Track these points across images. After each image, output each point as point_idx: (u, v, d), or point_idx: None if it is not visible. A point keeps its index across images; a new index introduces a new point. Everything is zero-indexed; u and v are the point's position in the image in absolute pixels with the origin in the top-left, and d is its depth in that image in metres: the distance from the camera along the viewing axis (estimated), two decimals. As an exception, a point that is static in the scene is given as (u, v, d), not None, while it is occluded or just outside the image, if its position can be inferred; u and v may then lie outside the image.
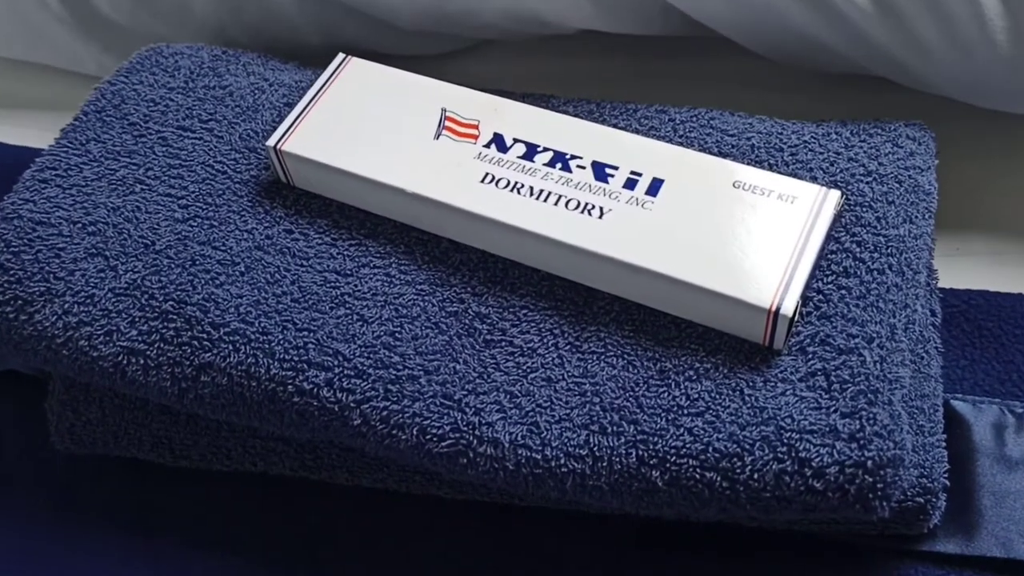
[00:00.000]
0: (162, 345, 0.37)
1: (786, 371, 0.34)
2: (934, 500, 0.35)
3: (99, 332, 0.38)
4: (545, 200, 0.37)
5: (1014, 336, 0.41)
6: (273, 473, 0.41)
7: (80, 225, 0.40)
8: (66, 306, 0.38)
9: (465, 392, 0.35)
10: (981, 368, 0.41)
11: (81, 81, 0.56)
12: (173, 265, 0.39)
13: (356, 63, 0.43)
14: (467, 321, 0.37)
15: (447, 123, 0.40)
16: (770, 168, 0.40)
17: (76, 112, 0.45)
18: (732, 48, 0.48)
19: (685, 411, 0.33)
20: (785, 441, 0.32)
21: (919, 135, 0.41)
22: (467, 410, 0.35)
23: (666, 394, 0.34)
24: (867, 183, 0.38)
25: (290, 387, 0.36)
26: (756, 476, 0.32)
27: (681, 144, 0.41)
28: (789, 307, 0.33)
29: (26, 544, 0.41)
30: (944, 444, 0.36)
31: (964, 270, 0.44)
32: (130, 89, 0.45)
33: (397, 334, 0.37)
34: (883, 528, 0.36)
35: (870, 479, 0.31)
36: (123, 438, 0.41)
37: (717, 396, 0.34)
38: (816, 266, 0.35)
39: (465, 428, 0.35)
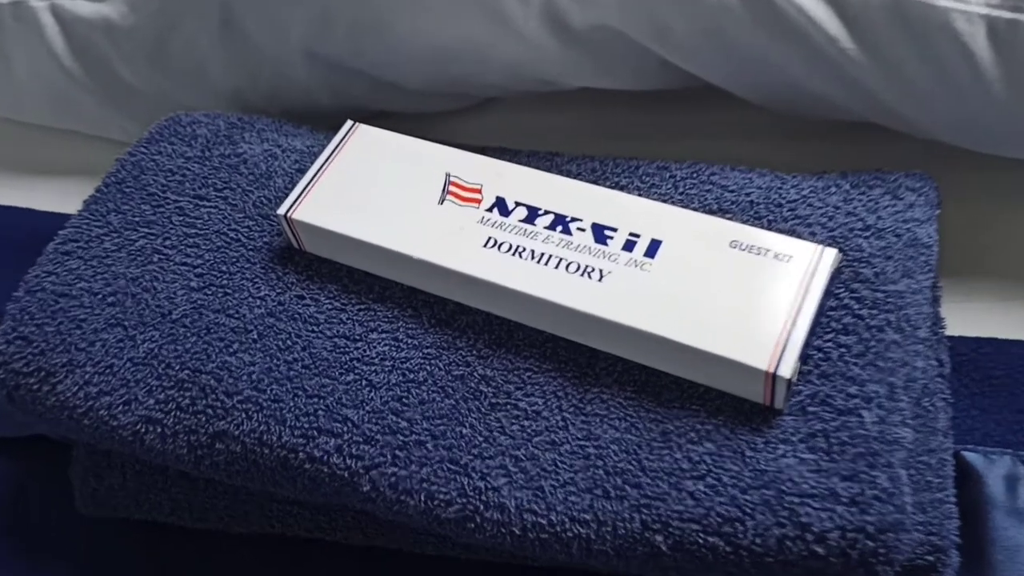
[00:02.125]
0: (178, 413, 0.38)
1: (787, 432, 0.34)
2: (944, 558, 0.35)
3: (118, 402, 0.39)
4: (546, 264, 0.38)
5: (1024, 384, 0.41)
6: (291, 535, 0.42)
7: (100, 296, 0.42)
8: (87, 376, 0.40)
9: (471, 457, 0.36)
10: (992, 418, 0.41)
11: (107, 146, 0.59)
12: (188, 334, 0.40)
13: (363, 130, 0.45)
14: (473, 384, 0.38)
15: (451, 188, 0.41)
16: (769, 224, 0.40)
17: (99, 182, 0.47)
18: (731, 99, 0.48)
19: (687, 474, 0.34)
20: (786, 505, 0.32)
21: (919, 185, 0.41)
22: (473, 475, 0.35)
23: (668, 457, 0.34)
24: (865, 238, 0.39)
25: (301, 454, 0.37)
26: (758, 541, 0.32)
27: (681, 201, 0.42)
28: (787, 369, 0.34)
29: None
30: (954, 499, 0.36)
31: (973, 318, 0.44)
32: (149, 160, 0.47)
33: (404, 399, 0.37)
34: (893, 586, 0.36)
35: (872, 544, 0.31)
36: (144, 503, 0.42)
37: (719, 458, 0.34)
38: (815, 324, 0.36)
39: (472, 493, 0.35)
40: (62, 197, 0.57)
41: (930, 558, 0.34)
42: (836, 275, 0.37)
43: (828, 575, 0.31)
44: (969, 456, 0.39)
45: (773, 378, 0.34)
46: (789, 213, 0.40)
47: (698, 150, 0.47)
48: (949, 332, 0.42)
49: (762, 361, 0.34)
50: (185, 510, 0.42)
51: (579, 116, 0.53)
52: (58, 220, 0.53)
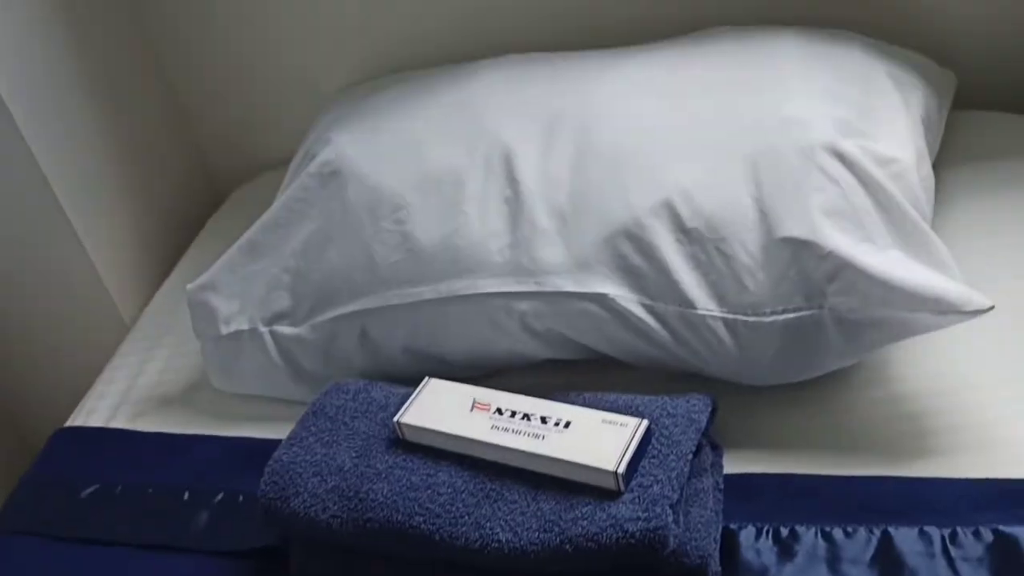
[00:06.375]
0: (348, 512, 0.81)
1: (624, 498, 0.76)
2: (706, 564, 0.75)
3: (320, 510, 0.82)
4: (518, 434, 0.82)
5: (771, 495, 0.83)
6: (396, 582, 0.82)
7: (307, 463, 0.86)
8: (303, 499, 0.83)
9: (485, 520, 0.78)
10: (744, 508, 0.82)
11: (286, 404, 1.06)
12: (351, 477, 0.84)
13: (433, 382, 0.91)
14: (486, 491, 0.80)
15: (476, 405, 0.87)
16: (624, 413, 0.85)
17: (299, 415, 0.93)
18: (620, 362, 0.95)
19: (580, 519, 0.75)
20: (620, 527, 0.74)
21: (702, 398, 0.86)
22: (485, 528, 0.77)
23: (572, 513, 0.76)
24: (668, 418, 0.83)
25: (407, 526, 0.79)
26: (607, 543, 0.73)
27: (587, 407, 0.87)
28: (623, 470, 0.77)
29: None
30: (717, 540, 0.77)
31: (743, 462, 0.86)
32: (327, 402, 0.94)
33: (454, 498, 0.80)
34: (687, 579, 0.76)
35: (653, 537, 0.72)
36: (333, 567, 0.84)
37: (594, 512, 0.76)
38: (640, 454, 0.79)
39: (486, 537, 0.77)
40: (271, 430, 1.03)
41: (699, 562, 0.75)
42: (649, 433, 0.81)
43: (635, 555, 0.72)
44: (731, 526, 0.80)
45: (616, 475, 0.77)
46: (633, 410, 0.85)
47: (602, 381, 0.93)
48: (728, 471, 0.85)
49: (611, 466, 0.77)
50: (346, 571, 0.83)
51: (543, 371, 1.00)
52: (269, 442, 1.00)
